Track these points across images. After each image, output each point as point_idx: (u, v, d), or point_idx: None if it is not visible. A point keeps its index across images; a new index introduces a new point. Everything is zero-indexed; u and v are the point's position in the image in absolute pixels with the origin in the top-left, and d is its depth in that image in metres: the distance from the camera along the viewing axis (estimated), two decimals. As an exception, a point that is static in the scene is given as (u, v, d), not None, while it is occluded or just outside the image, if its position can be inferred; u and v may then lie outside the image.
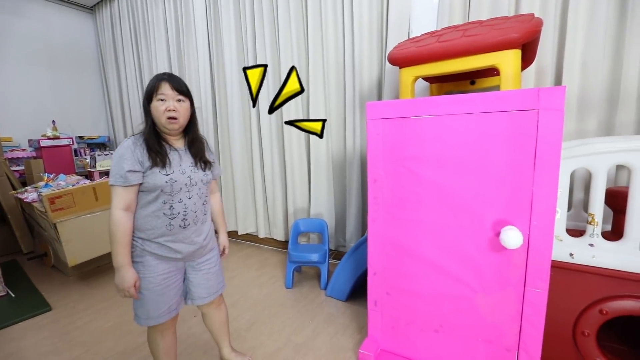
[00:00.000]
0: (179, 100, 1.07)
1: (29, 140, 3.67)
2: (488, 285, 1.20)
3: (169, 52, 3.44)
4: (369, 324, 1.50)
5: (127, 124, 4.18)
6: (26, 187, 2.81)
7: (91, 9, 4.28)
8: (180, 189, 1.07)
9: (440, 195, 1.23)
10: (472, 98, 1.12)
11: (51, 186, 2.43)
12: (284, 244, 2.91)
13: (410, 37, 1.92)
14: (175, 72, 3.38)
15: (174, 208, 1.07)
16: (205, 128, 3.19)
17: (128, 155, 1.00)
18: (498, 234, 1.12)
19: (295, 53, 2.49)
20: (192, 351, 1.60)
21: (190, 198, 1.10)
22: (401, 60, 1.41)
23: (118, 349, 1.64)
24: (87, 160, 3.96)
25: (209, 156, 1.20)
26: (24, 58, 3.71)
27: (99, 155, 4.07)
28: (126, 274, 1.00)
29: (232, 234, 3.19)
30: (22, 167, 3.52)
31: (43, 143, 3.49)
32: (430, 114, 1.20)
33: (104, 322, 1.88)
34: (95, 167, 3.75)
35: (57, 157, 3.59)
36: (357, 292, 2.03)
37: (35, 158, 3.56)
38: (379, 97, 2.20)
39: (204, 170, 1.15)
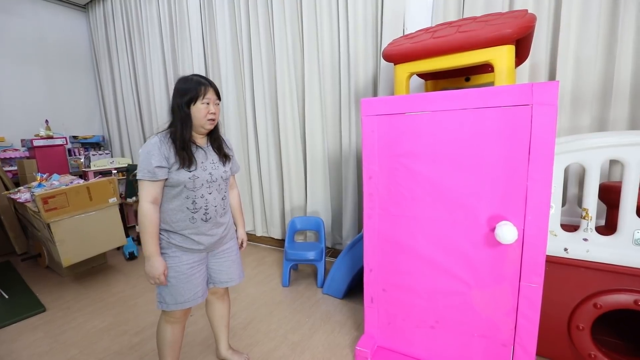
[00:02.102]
0: (216, 104, 1.17)
1: (22, 140, 3.63)
2: (483, 280, 1.20)
3: (163, 51, 3.41)
4: (366, 321, 1.50)
5: (122, 123, 4.14)
6: (19, 188, 2.78)
7: (84, 7, 4.23)
8: (202, 185, 1.14)
9: (436, 191, 1.23)
10: (466, 94, 1.12)
11: (44, 186, 2.40)
12: (280, 242, 2.90)
13: (405, 33, 1.92)
14: (170, 71, 3.36)
15: (196, 203, 1.14)
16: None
17: (155, 151, 1.06)
18: (493, 230, 1.13)
19: (290, 50, 2.47)
20: (188, 350, 1.59)
21: (210, 194, 1.17)
22: (396, 56, 1.41)
23: (113, 349, 1.62)
24: (82, 160, 3.92)
25: (228, 151, 1.27)
26: (16, 57, 3.66)
27: (93, 155, 4.04)
28: (156, 262, 1.07)
29: (229, 233, 3.17)
30: (15, 168, 3.48)
31: (36, 143, 3.45)
32: (424, 110, 1.20)
33: (99, 322, 1.87)
34: (90, 167, 3.72)
35: (50, 157, 3.55)
36: (354, 289, 2.03)
37: (28, 158, 3.52)
38: (375, 94, 2.20)
39: (224, 166, 1.22)
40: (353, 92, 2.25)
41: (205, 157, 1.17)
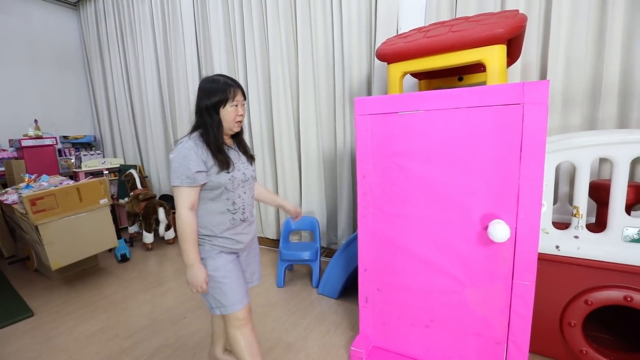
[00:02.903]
0: (243, 105, 1.15)
1: (10, 140, 3.55)
2: (477, 279, 1.20)
3: (156, 50, 3.37)
4: (361, 320, 1.49)
5: (114, 123, 4.08)
6: (6, 189, 2.71)
7: (75, 5, 4.16)
8: (239, 185, 1.14)
9: (429, 190, 1.23)
10: (458, 93, 1.13)
11: (33, 187, 2.35)
12: (275, 243, 2.89)
13: (399, 33, 1.92)
14: (163, 71, 3.33)
15: (235, 203, 1.13)
16: (193, 127, 3.14)
17: (192, 156, 1.02)
18: (486, 228, 1.13)
19: (284, 49, 2.47)
20: (181, 353, 1.57)
21: (245, 193, 1.17)
22: (389, 55, 1.41)
23: (104, 353, 1.59)
24: (72, 161, 3.85)
25: (251, 151, 1.28)
26: (4, 55, 3.58)
27: (84, 155, 3.97)
28: (198, 271, 1.05)
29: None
30: (2, 168, 3.39)
31: (24, 143, 3.38)
32: (417, 110, 1.20)
33: (89, 326, 1.83)
34: (81, 168, 3.66)
35: (39, 157, 3.47)
36: (349, 289, 2.03)
37: (16, 158, 3.45)
38: (369, 93, 2.20)
39: (251, 165, 1.22)
40: (347, 91, 2.25)
41: (238, 158, 1.17)
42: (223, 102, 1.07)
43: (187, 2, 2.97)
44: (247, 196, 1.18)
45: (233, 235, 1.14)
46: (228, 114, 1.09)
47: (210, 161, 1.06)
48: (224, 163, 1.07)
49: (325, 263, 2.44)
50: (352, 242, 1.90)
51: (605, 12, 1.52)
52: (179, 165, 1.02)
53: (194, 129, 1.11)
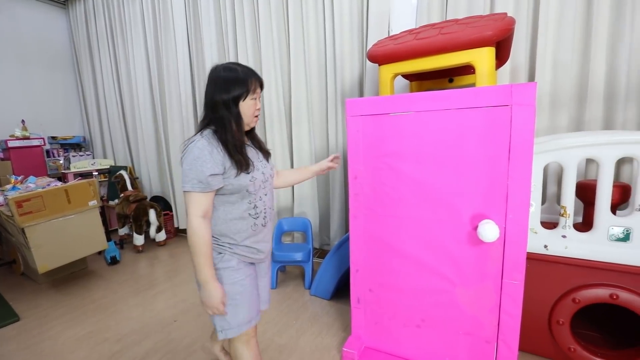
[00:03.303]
0: (260, 98, 1.04)
1: (-4, 141, 3.47)
2: (467, 278, 1.21)
3: (147, 49, 3.33)
4: (353, 321, 1.49)
5: (104, 123, 4.02)
6: (-8, 191, 2.65)
7: (64, 4, 4.09)
8: (259, 186, 1.02)
9: (420, 190, 1.24)
10: (448, 95, 1.14)
11: (19, 189, 2.30)
12: (268, 245, 2.87)
13: (390, 34, 1.93)
14: (154, 70, 3.29)
15: (257, 207, 1.02)
16: (185, 126, 3.11)
17: (206, 157, 0.89)
18: (476, 228, 1.14)
19: (276, 50, 2.46)
20: (172, 357, 1.55)
21: (266, 195, 1.06)
22: (380, 57, 1.42)
23: (93, 358, 1.56)
24: (61, 162, 3.77)
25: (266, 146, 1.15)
26: (-10, 54, 3.50)
27: (73, 156, 3.90)
28: (214, 290, 0.92)
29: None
30: (-12, 170, 3.31)
31: (11, 144, 3.30)
32: (408, 111, 1.21)
33: (78, 331, 1.80)
34: (70, 169, 3.59)
35: (27, 158, 3.40)
36: (342, 290, 2.03)
37: (2, 160, 3.37)
38: (361, 94, 2.21)
39: (268, 162, 1.11)
40: (339, 92, 2.26)
41: (257, 156, 1.05)
42: (243, 95, 0.95)
43: (178, 2, 2.94)
44: (268, 198, 1.07)
45: (254, 244, 1.03)
46: (248, 108, 0.97)
47: (227, 162, 0.93)
48: (242, 164, 0.94)
49: (318, 264, 2.43)
50: (345, 243, 1.90)
51: (590, 15, 1.55)
52: (190, 167, 0.89)
53: (205, 125, 0.98)
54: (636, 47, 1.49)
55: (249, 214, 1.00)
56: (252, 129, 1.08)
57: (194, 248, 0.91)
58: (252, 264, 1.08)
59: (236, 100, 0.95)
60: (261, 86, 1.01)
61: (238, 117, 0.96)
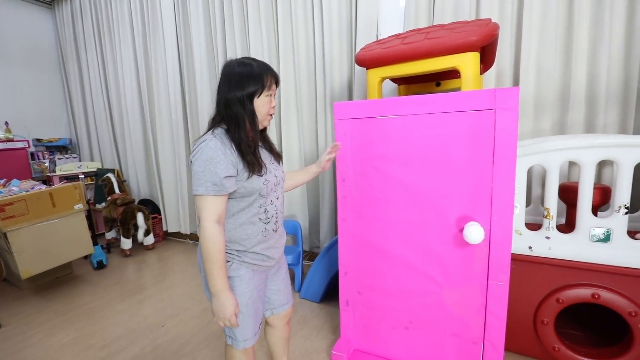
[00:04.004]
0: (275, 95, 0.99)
1: (-22, 144, 3.37)
2: (454, 280, 1.23)
3: (135, 50, 3.29)
4: (342, 324, 1.49)
5: (91, 125, 3.94)
6: (-27, 195, 2.57)
7: (50, 4, 4.01)
8: (271, 190, 0.98)
9: (406, 193, 1.25)
10: (434, 98, 1.15)
11: (2, 192, 2.24)
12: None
13: (379, 39, 1.95)
14: (142, 72, 3.24)
15: (268, 211, 0.98)
16: (175, 129, 3.08)
17: (220, 157, 0.84)
18: (462, 230, 1.16)
19: (265, 52, 2.46)
20: (158, 363, 1.53)
21: (277, 198, 1.02)
22: (368, 61, 1.43)
23: (76, 366, 1.53)
24: (46, 165, 3.69)
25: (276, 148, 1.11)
26: (-28, 54, 3.41)
27: (59, 159, 3.81)
28: (227, 300, 0.87)
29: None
30: (-31, 173, 3.22)
31: (-6, 146, 3.22)
32: (395, 114, 1.22)
33: (62, 337, 1.76)
34: (55, 172, 3.51)
35: (9, 161, 3.32)
36: (331, 292, 2.03)
37: (-16, 163, 3.28)
38: (350, 98, 2.22)
39: (279, 164, 1.07)
40: (329, 96, 2.26)
41: (269, 159, 1.01)
42: (258, 92, 0.90)
43: (167, 3, 2.91)
44: (279, 202, 1.03)
45: (264, 250, 0.98)
46: (263, 106, 0.92)
47: (240, 164, 0.89)
48: (255, 165, 0.90)
49: (308, 267, 2.43)
50: (334, 245, 1.90)
51: (571, 22, 1.59)
52: (203, 169, 0.84)
53: (216, 123, 0.93)
54: (615, 53, 1.53)
55: (259, 218, 0.96)
56: (264, 129, 1.04)
57: (209, 256, 0.85)
58: (262, 271, 1.03)
59: (251, 97, 0.90)
60: (277, 82, 0.96)
61: (252, 115, 0.91)
